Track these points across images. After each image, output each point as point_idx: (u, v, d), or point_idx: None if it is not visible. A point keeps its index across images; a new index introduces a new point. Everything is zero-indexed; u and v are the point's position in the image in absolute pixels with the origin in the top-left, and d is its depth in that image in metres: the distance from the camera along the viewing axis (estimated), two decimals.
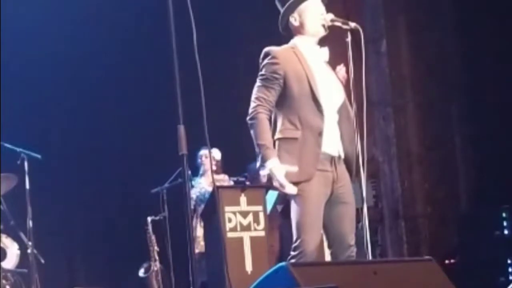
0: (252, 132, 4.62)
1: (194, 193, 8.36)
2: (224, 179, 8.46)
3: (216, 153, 8.41)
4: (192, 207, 8.20)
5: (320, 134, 4.59)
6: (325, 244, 4.93)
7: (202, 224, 8.02)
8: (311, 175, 4.55)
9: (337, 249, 4.67)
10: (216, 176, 8.30)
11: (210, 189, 8.35)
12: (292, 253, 4.54)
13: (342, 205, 4.66)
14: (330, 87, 4.72)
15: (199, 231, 8.14)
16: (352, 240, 4.64)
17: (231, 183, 8.31)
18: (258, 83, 4.70)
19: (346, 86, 4.77)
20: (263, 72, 4.69)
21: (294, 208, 4.60)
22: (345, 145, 4.72)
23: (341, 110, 4.73)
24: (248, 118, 4.65)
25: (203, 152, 8.40)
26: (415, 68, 9.26)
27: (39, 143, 7.84)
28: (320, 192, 4.58)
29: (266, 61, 4.69)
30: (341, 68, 4.84)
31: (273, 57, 4.68)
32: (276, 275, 3.50)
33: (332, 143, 4.66)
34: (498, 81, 8.74)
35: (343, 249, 4.64)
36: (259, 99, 4.64)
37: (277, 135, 4.68)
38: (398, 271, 3.74)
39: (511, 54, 8.45)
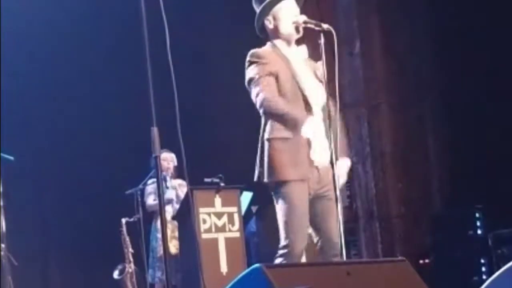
0: (272, 113, 4.60)
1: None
2: (183, 184, 8.45)
3: (173, 158, 8.43)
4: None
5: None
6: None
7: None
8: (305, 175, 4.58)
9: (324, 244, 4.68)
10: (177, 181, 8.44)
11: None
12: (280, 252, 4.56)
13: (326, 201, 4.68)
14: (314, 86, 4.72)
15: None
16: (336, 237, 4.62)
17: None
18: (253, 86, 4.64)
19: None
20: (253, 74, 4.65)
21: (280, 208, 4.62)
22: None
23: (324, 109, 4.73)
24: (261, 109, 4.62)
25: (163, 155, 8.39)
26: (389, 68, 9.29)
27: (12, 145, 7.78)
28: (303, 191, 4.59)
29: (255, 63, 4.66)
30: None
31: (262, 57, 4.67)
32: (250, 276, 3.50)
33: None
34: (471, 81, 8.78)
35: (329, 246, 4.65)
36: (263, 91, 4.58)
37: (267, 135, 4.67)
38: (371, 272, 3.76)
39: (485, 54, 8.49)
